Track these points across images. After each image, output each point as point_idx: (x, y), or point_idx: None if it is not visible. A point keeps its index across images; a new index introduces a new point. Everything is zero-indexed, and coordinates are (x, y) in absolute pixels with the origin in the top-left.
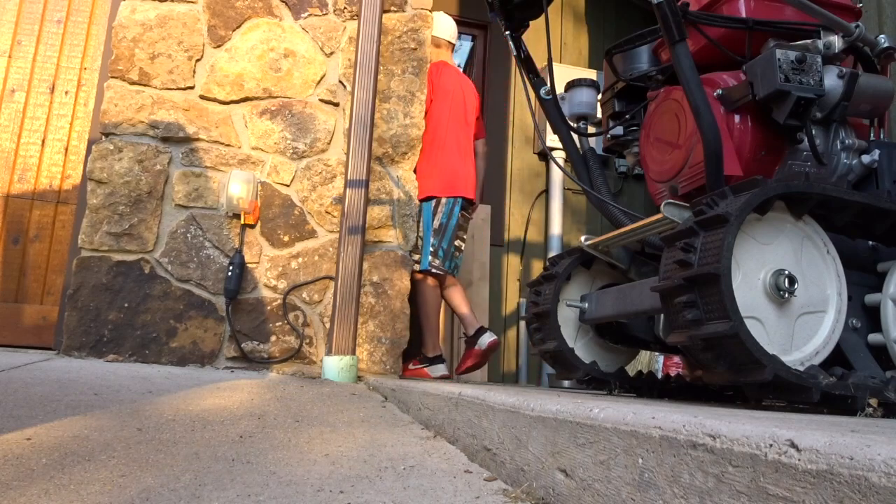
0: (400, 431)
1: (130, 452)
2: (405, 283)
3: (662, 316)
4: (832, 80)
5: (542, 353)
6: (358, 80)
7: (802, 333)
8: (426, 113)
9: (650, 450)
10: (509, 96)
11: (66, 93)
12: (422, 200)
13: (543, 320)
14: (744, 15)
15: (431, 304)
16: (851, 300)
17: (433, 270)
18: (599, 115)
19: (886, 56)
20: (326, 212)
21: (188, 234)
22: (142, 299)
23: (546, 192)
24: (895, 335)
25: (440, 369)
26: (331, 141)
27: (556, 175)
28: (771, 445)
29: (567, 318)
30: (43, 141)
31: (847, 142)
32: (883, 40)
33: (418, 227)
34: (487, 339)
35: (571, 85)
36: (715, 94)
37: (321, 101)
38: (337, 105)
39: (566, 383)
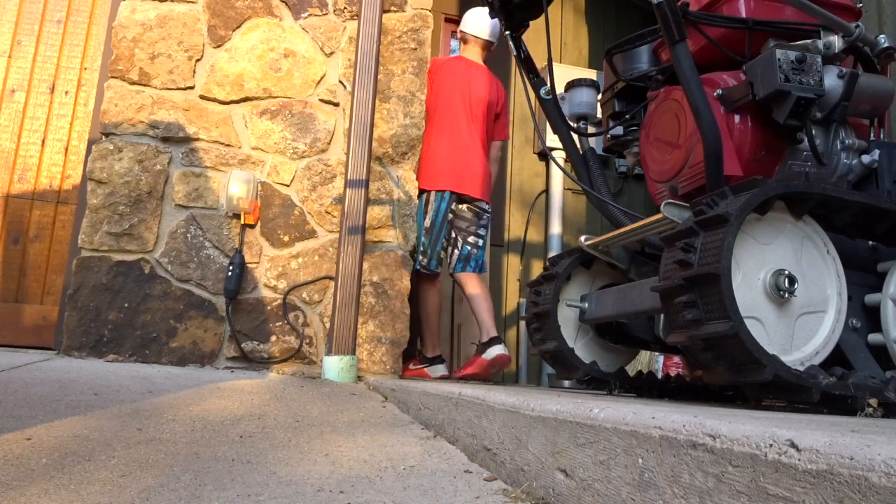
0: (400, 431)
1: (130, 452)
2: (405, 283)
3: (662, 316)
4: (832, 80)
5: (542, 353)
6: (358, 80)
7: (802, 333)
8: (426, 110)
9: (650, 450)
10: (509, 96)
11: (66, 93)
12: (419, 197)
13: (543, 320)
14: (744, 15)
15: (428, 303)
16: (851, 300)
17: (420, 270)
18: (599, 115)
19: (886, 56)
20: (326, 212)
21: (188, 234)
22: (142, 299)
23: (546, 192)
24: (895, 335)
25: (439, 370)
26: (331, 141)
27: (556, 175)
28: (771, 445)
29: (567, 318)
30: (43, 141)
31: (847, 142)
32: (883, 40)
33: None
34: (495, 351)
35: (571, 85)
36: (715, 94)
37: (321, 101)
38: (337, 105)
39: (566, 383)
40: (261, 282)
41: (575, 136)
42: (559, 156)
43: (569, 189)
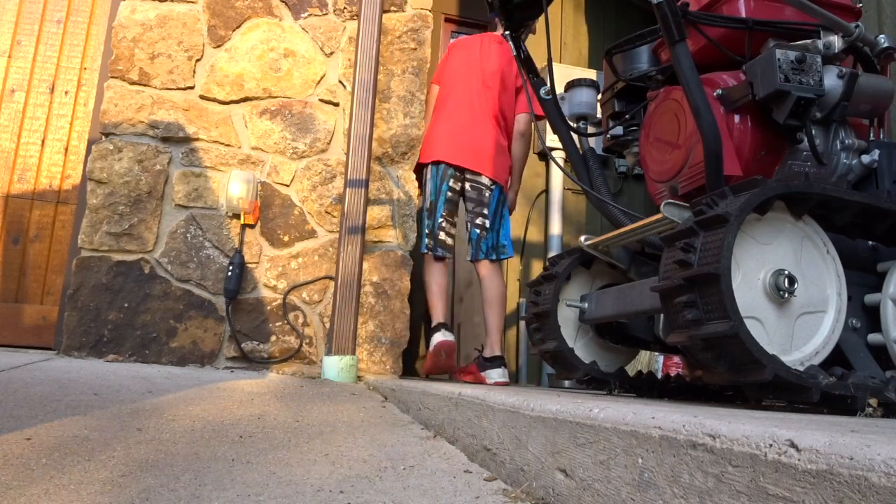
0: (400, 431)
1: (130, 452)
2: (405, 283)
3: (662, 316)
4: (832, 80)
5: (542, 353)
6: (358, 79)
7: (802, 333)
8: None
9: (650, 450)
10: None
11: (66, 93)
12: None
13: (543, 320)
14: (744, 15)
15: (427, 285)
16: (851, 300)
17: (426, 252)
18: (599, 115)
19: (886, 56)
20: (326, 212)
21: (188, 234)
22: (142, 299)
23: (546, 192)
24: (895, 335)
25: (495, 375)
26: (331, 141)
27: (556, 175)
28: (771, 445)
29: (567, 318)
30: (43, 141)
31: (847, 142)
32: (883, 40)
33: (419, 226)
34: (495, 376)
35: (571, 85)
36: (715, 94)
37: (321, 101)
38: (337, 105)
39: (566, 383)
40: (261, 282)
41: (575, 136)
42: (559, 156)
43: (569, 189)
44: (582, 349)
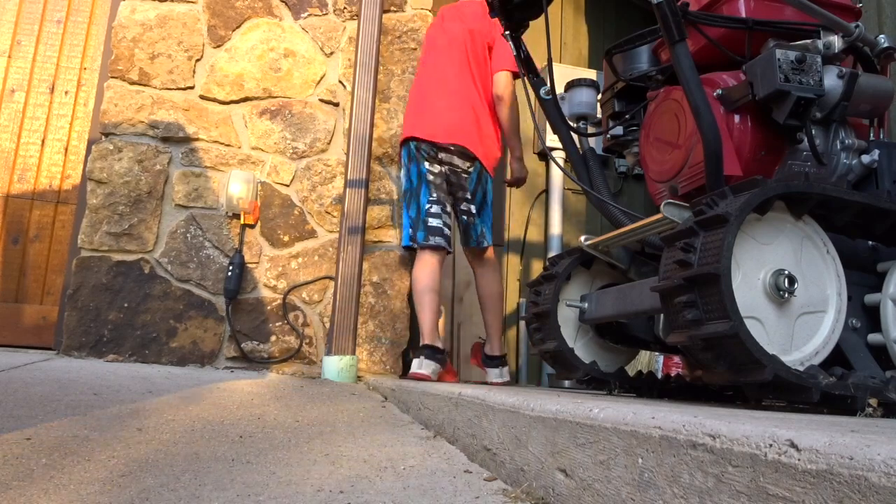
0: (400, 431)
1: (130, 452)
2: (405, 283)
3: (662, 316)
4: (832, 80)
5: (542, 353)
6: (358, 79)
7: (802, 333)
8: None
9: (650, 450)
10: None
11: (66, 93)
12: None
13: (543, 320)
14: (744, 15)
15: (413, 284)
16: (851, 300)
17: (409, 245)
18: (599, 115)
19: (886, 56)
20: (326, 212)
21: (188, 234)
22: (142, 299)
23: (546, 192)
24: (895, 335)
25: (495, 374)
26: (331, 141)
27: (556, 175)
28: (771, 445)
29: (567, 318)
30: (43, 141)
31: (847, 142)
32: (883, 40)
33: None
34: (494, 376)
35: (571, 85)
36: (715, 94)
37: (321, 101)
38: (337, 105)
39: (566, 383)
40: (261, 282)
41: (575, 136)
42: (559, 156)
43: (569, 189)
44: (582, 349)
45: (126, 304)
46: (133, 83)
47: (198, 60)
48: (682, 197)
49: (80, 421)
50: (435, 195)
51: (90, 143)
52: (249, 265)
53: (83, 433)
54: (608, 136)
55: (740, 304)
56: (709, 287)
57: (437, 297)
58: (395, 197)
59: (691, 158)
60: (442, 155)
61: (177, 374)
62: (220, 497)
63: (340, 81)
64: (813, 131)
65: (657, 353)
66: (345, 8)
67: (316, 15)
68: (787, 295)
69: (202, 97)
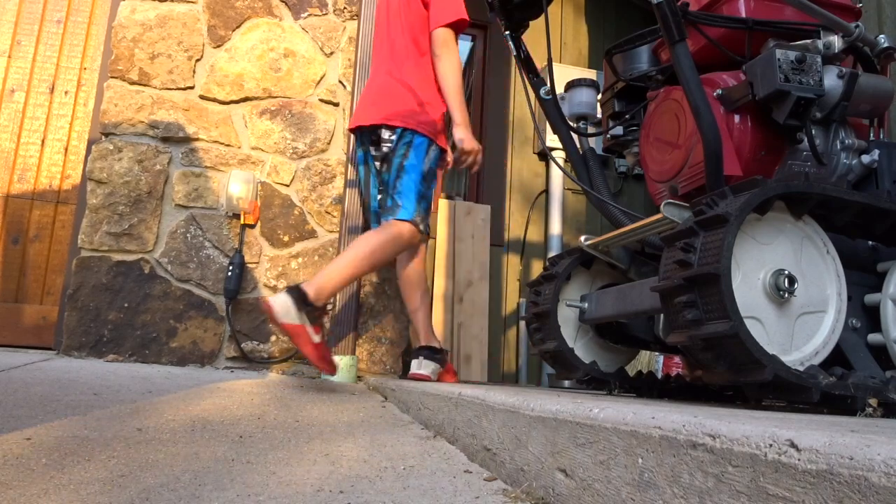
0: (400, 431)
1: (130, 452)
2: None
3: (662, 316)
4: (832, 80)
5: (542, 353)
6: (358, 79)
7: (802, 333)
8: None
9: (650, 450)
10: (509, 96)
11: (66, 93)
12: None
13: (543, 320)
14: (744, 15)
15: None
16: (851, 300)
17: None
18: (599, 115)
19: (886, 56)
20: (326, 212)
21: (188, 234)
22: (142, 299)
23: (546, 192)
24: (895, 335)
25: (413, 365)
26: (331, 141)
27: (556, 175)
28: (771, 445)
29: (567, 318)
30: (43, 141)
31: (847, 142)
32: (883, 40)
33: None
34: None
35: (571, 85)
36: (715, 94)
37: (321, 100)
38: (337, 105)
39: (566, 383)
40: (261, 282)
41: (575, 136)
42: (559, 156)
43: (569, 189)
44: (582, 349)
45: (126, 304)
46: (133, 83)
47: (198, 60)
48: (682, 197)
49: (80, 421)
50: (366, 182)
51: (90, 143)
52: (249, 265)
53: (83, 433)
54: (608, 136)
55: (740, 304)
56: (709, 287)
57: (404, 292)
58: None
59: (691, 158)
60: (373, 137)
61: (177, 374)
62: (220, 497)
63: (340, 81)
64: (813, 131)
65: (657, 353)
66: (345, 8)
67: (316, 15)
68: (787, 295)
69: (202, 97)
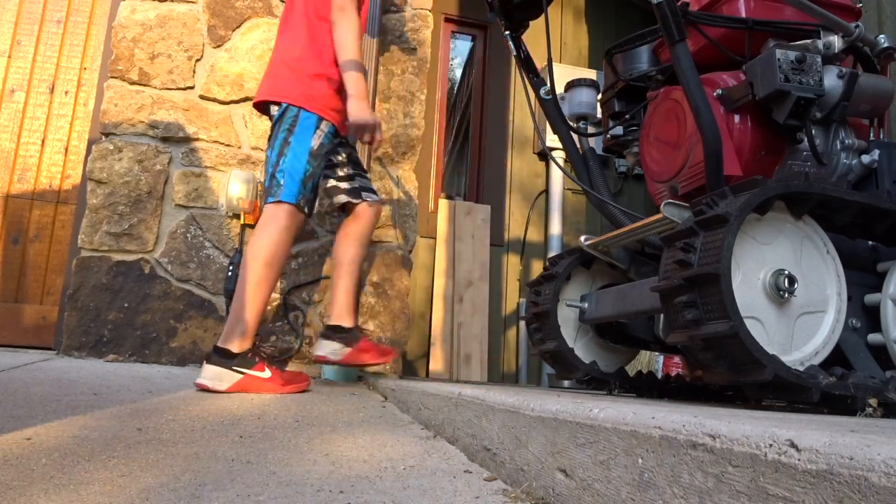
0: (400, 431)
1: (130, 452)
2: (405, 283)
3: (662, 316)
4: (832, 80)
5: (541, 353)
6: None
7: (802, 333)
8: None
9: (650, 450)
10: (509, 97)
11: (66, 93)
12: None
13: (543, 320)
14: (744, 15)
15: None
16: (851, 300)
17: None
18: (599, 115)
19: (886, 56)
20: (326, 212)
21: (188, 234)
22: (142, 299)
23: (546, 192)
24: (895, 335)
25: (319, 345)
26: None
27: (556, 175)
28: (771, 445)
29: (567, 318)
30: (43, 141)
31: (847, 142)
32: (883, 40)
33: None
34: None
35: (571, 85)
36: (715, 94)
37: None
38: None
39: (566, 383)
40: None
41: (575, 136)
42: (559, 156)
43: (569, 189)
44: (582, 349)
45: (126, 304)
46: (133, 83)
47: (198, 60)
48: (682, 197)
49: (80, 421)
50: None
51: (90, 143)
52: None
53: (83, 433)
54: (608, 136)
55: (740, 304)
56: (709, 287)
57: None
58: (395, 197)
59: (691, 158)
60: (266, 113)
61: (177, 374)
62: (220, 497)
63: None
64: (813, 131)
65: (657, 353)
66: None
67: None
68: (787, 295)
69: (202, 97)
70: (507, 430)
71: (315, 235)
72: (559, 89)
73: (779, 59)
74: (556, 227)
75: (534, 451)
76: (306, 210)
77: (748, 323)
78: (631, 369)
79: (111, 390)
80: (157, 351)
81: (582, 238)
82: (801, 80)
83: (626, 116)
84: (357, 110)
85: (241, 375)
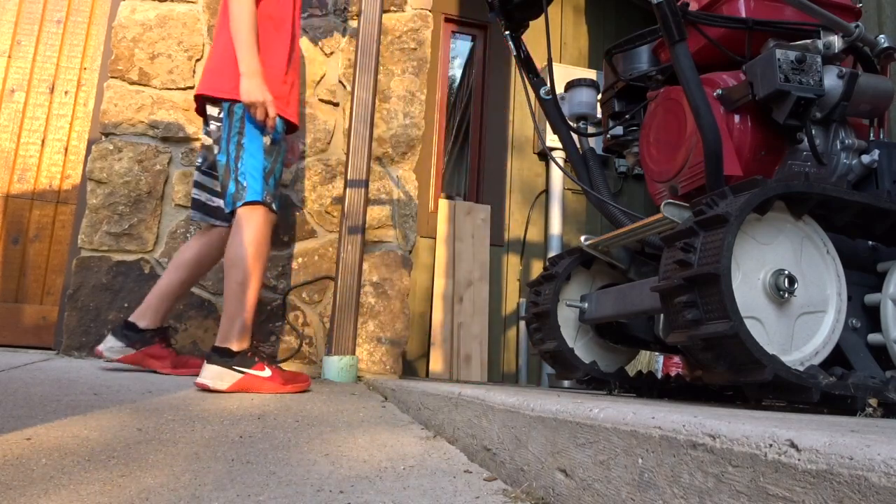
0: (400, 431)
1: (130, 452)
2: (405, 283)
3: (662, 316)
4: (832, 80)
5: (542, 353)
6: (358, 79)
7: (802, 333)
8: None
9: (650, 450)
10: (509, 97)
11: (66, 93)
12: None
13: (543, 320)
14: (744, 15)
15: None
16: (851, 300)
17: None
18: (599, 115)
19: (886, 56)
20: (326, 212)
21: (188, 235)
22: (142, 299)
23: (546, 192)
24: (895, 335)
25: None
26: (330, 141)
27: (556, 175)
28: (771, 445)
29: (567, 318)
30: (43, 141)
31: (847, 142)
32: (883, 40)
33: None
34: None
35: (571, 85)
36: (715, 94)
37: (321, 100)
38: (337, 105)
39: (566, 383)
40: None
41: (575, 136)
42: (559, 156)
43: (569, 189)
44: (582, 349)
45: (126, 304)
46: (133, 83)
47: (198, 60)
48: (682, 197)
49: (80, 421)
50: (201, 161)
51: (90, 143)
52: None
53: (83, 433)
54: (608, 136)
55: (740, 304)
56: (709, 287)
57: (175, 274)
58: (395, 197)
59: (691, 158)
60: (204, 113)
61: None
62: (220, 497)
63: (340, 81)
64: (813, 131)
65: (657, 353)
66: (345, 8)
67: (316, 15)
68: (787, 295)
69: None
70: (507, 430)
71: (315, 235)
72: (559, 89)
73: (779, 59)
74: (556, 227)
75: (534, 451)
76: (274, 206)
77: (748, 323)
78: (631, 369)
79: (111, 390)
80: None
81: (582, 238)
82: (801, 80)
83: (626, 116)
84: (248, 88)
85: (241, 375)
